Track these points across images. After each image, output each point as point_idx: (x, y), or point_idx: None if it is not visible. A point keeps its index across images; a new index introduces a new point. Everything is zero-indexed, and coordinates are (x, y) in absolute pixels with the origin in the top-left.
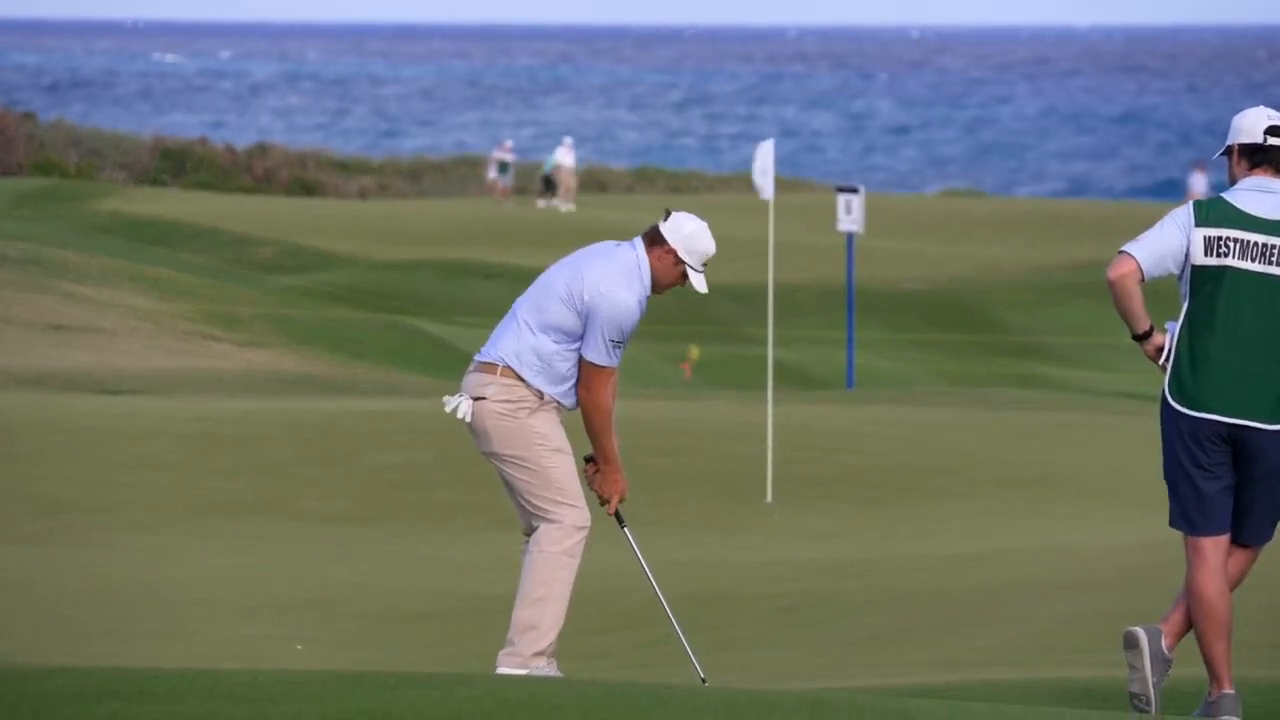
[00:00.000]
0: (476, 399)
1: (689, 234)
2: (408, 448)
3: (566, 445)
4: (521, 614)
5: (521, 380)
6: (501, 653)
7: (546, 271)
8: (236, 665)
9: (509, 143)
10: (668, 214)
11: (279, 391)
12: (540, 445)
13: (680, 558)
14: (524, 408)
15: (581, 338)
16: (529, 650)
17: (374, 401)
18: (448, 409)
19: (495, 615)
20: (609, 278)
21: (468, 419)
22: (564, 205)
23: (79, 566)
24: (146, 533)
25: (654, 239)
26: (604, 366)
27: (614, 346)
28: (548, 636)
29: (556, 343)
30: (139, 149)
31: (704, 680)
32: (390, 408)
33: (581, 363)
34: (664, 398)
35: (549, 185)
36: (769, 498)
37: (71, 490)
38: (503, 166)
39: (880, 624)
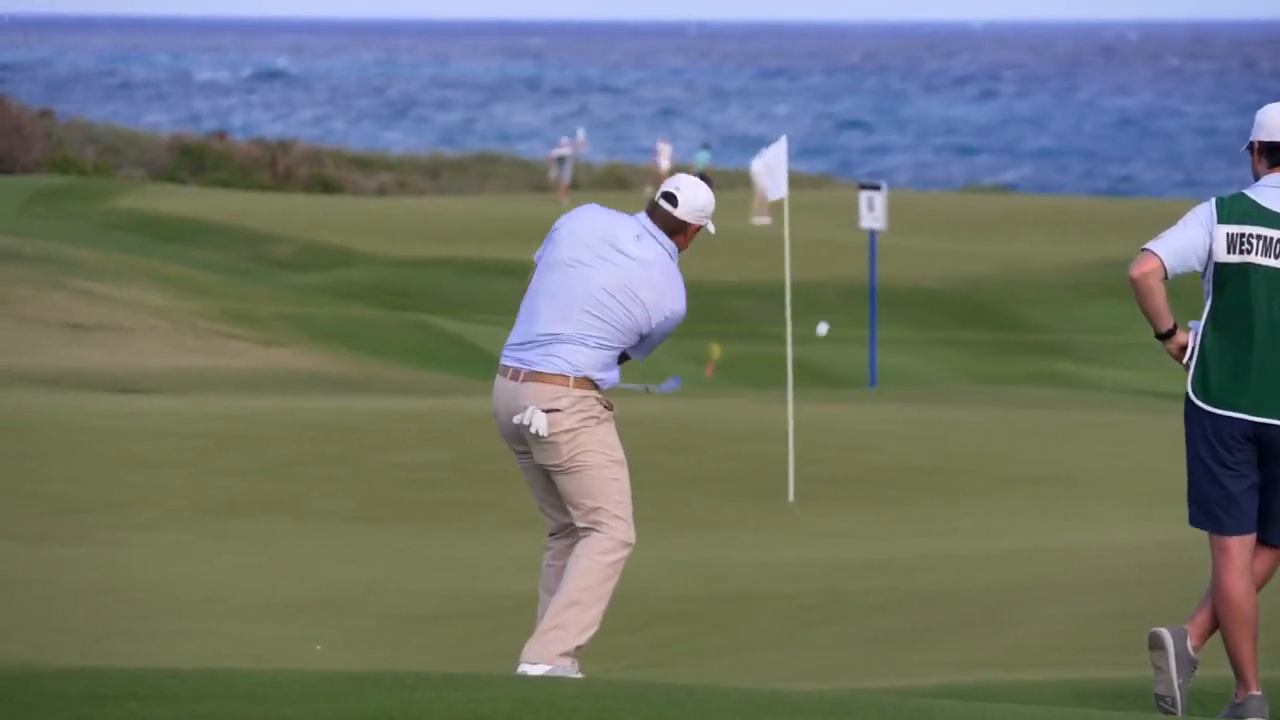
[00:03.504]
0: (549, 411)
1: (702, 205)
2: (420, 447)
3: (625, 458)
4: (554, 615)
5: (594, 390)
6: (525, 650)
7: (585, 272)
8: (249, 665)
9: (565, 139)
10: (672, 197)
11: (296, 390)
12: (605, 454)
13: (700, 557)
14: (594, 418)
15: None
16: (554, 650)
17: (391, 400)
18: (516, 419)
19: (508, 615)
20: (672, 297)
21: (543, 432)
22: (758, 218)
23: (89, 566)
24: (157, 532)
25: (677, 226)
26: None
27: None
28: (575, 640)
29: (614, 349)
30: (156, 146)
31: None
32: (405, 406)
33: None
34: (684, 396)
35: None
36: (790, 497)
37: (82, 489)
38: (561, 161)
39: (901, 624)
